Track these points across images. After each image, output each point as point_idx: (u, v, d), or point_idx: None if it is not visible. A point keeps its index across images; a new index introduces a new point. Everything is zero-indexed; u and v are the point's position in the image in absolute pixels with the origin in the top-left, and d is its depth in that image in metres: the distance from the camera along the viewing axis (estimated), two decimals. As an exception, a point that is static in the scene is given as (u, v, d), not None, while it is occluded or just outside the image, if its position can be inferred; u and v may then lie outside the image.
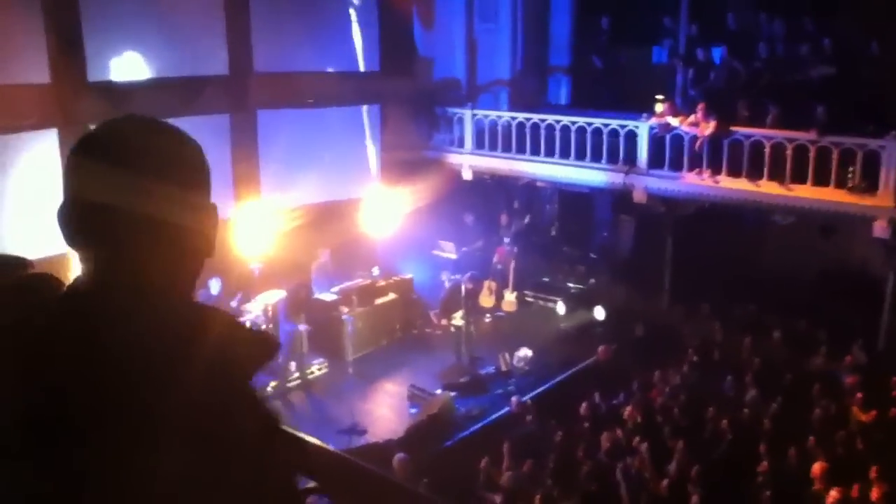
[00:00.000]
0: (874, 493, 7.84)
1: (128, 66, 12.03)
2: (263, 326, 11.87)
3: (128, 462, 1.10)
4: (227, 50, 13.04)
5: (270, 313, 12.02)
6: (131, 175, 1.19)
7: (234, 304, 11.74)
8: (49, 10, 10.98)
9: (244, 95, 13.27)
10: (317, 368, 12.32)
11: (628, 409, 10.32)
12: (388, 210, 13.87)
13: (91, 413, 1.11)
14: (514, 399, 10.92)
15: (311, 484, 2.11)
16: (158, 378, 1.14)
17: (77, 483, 1.10)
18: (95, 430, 1.11)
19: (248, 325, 10.31)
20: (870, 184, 11.50)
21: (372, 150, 15.26)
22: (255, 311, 11.95)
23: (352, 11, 14.77)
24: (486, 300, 14.26)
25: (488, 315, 14.24)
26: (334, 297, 12.83)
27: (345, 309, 12.63)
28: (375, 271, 13.70)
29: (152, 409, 1.12)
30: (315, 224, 13.27)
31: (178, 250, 1.26)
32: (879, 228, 11.40)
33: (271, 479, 1.28)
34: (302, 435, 2.40)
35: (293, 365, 12.04)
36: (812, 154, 11.88)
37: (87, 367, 1.13)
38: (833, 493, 7.71)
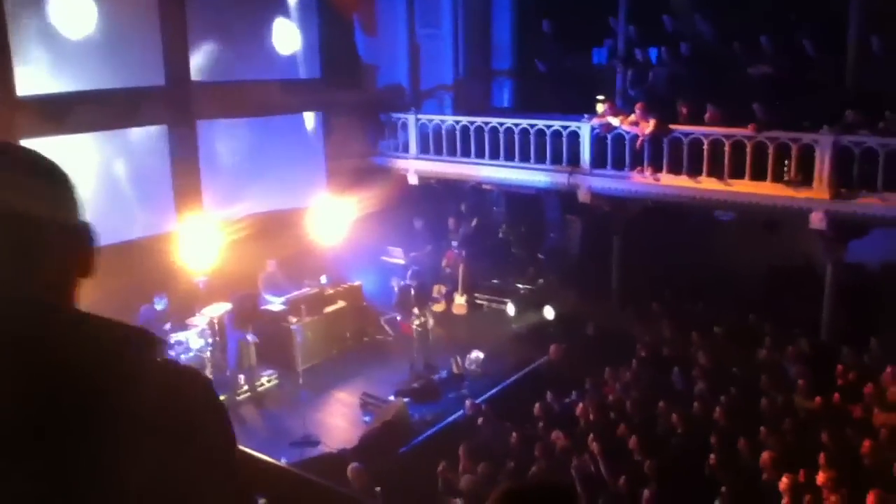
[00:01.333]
0: (820, 478, 8.01)
1: (61, 79, 11.70)
2: (210, 340, 11.66)
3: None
4: (164, 60, 12.78)
5: (217, 326, 11.81)
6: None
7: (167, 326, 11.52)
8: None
9: (183, 107, 13.03)
10: (267, 380, 12.14)
11: (580, 407, 10.38)
12: (335, 218, 13.75)
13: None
14: (468, 402, 10.91)
15: (262, 501, 2.06)
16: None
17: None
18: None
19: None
20: (805, 177, 11.79)
21: (317, 159, 15.12)
22: (200, 324, 11.73)
23: (291, 19, 14.65)
24: (437, 304, 14.24)
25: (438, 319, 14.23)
26: (282, 307, 12.65)
27: (293, 319, 12.47)
28: (323, 280, 13.57)
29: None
30: (261, 234, 13.09)
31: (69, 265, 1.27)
32: (816, 220, 11.68)
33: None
34: (251, 451, 2.34)
35: (242, 378, 11.84)
36: (749, 149, 12.13)
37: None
38: (784, 480, 7.85)
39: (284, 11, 14.47)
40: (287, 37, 14.58)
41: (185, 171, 13.12)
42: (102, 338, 1.23)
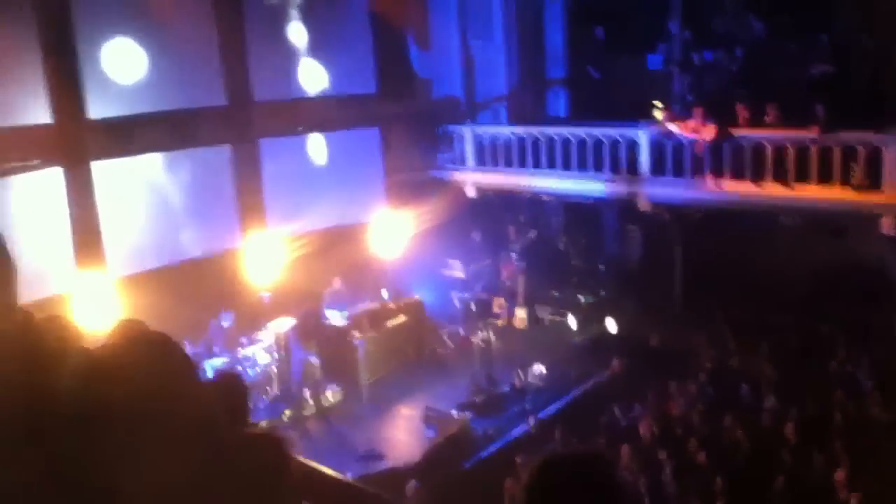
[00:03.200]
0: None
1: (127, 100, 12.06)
2: (275, 354, 11.86)
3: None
4: (225, 80, 13.07)
5: (282, 341, 12.00)
6: None
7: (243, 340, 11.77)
8: (48, 51, 11.03)
9: (245, 125, 13.31)
10: (331, 395, 12.29)
11: (645, 421, 10.26)
12: (394, 232, 13.87)
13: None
14: (531, 419, 10.87)
15: None
16: None
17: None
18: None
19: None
20: (874, 181, 11.46)
21: (376, 173, 15.25)
22: (266, 339, 11.94)
23: (346, 35, 14.83)
24: (498, 318, 14.20)
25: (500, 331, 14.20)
26: (345, 322, 12.79)
27: (356, 333, 12.60)
28: (384, 294, 13.68)
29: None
30: (323, 250, 13.28)
31: None
32: (886, 225, 11.34)
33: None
34: (312, 463, 2.40)
35: (307, 392, 12.01)
36: (814, 153, 11.85)
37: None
38: (854, 499, 7.65)
39: (339, 28, 14.64)
40: (342, 53, 14.76)
41: (248, 189, 13.39)
42: None
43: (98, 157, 11.63)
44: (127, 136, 11.85)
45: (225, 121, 13.11)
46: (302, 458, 2.27)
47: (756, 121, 12.81)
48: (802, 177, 12.00)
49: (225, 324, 11.84)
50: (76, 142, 11.38)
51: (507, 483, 9.18)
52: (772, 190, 12.36)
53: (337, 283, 13.34)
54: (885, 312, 11.88)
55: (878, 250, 12.40)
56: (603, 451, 1.76)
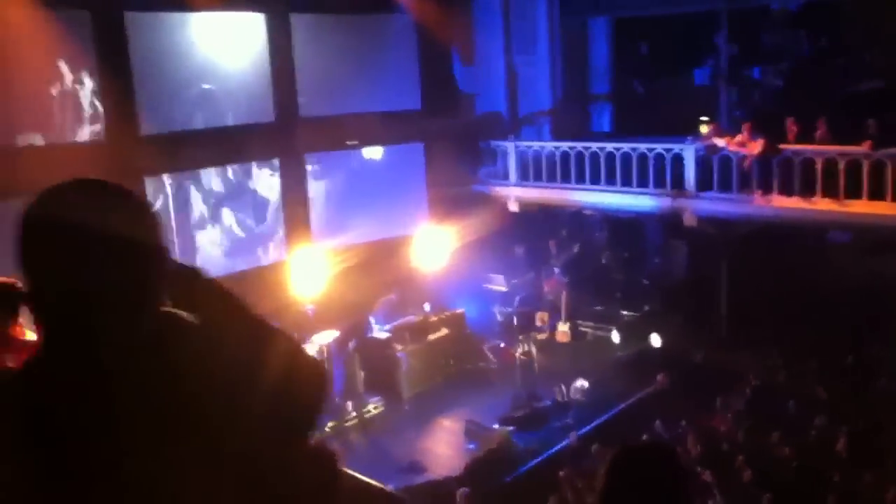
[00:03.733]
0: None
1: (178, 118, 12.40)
2: (319, 367, 11.95)
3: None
4: (273, 97, 13.35)
5: (326, 353, 12.11)
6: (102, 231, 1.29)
7: None
8: (103, 73, 11.41)
9: (291, 141, 13.55)
10: (373, 407, 12.35)
11: (690, 437, 10.11)
12: (437, 246, 13.94)
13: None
14: (572, 434, 10.79)
15: None
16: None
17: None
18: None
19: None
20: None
21: (419, 188, 15.37)
22: (311, 351, 12.05)
23: (391, 52, 15.03)
24: (540, 332, 14.17)
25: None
26: (387, 334, 12.87)
27: (398, 346, 12.67)
28: (427, 307, 13.73)
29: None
30: (367, 263, 13.39)
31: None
32: (939, 241, 11.08)
33: None
34: (360, 475, 2.44)
35: (350, 405, 12.09)
36: (866, 168, 11.64)
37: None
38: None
39: (385, 44, 14.84)
40: (388, 69, 14.95)
41: (294, 203, 13.62)
42: None
43: (148, 174, 11.94)
44: (177, 152, 12.15)
45: (273, 137, 13.36)
46: (349, 471, 2.32)
47: (805, 136, 12.63)
48: (853, 192, 11.77)
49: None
50: (128, 158, 11.68)
51: (562, 472, 9.17)
52: (821, 205, 12.15)
53: (394, 296, 13.43)
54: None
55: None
56: (671, 446, 2.02)
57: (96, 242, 1.27)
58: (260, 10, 13.16)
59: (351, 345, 12.24)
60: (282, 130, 13.49)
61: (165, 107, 12.37)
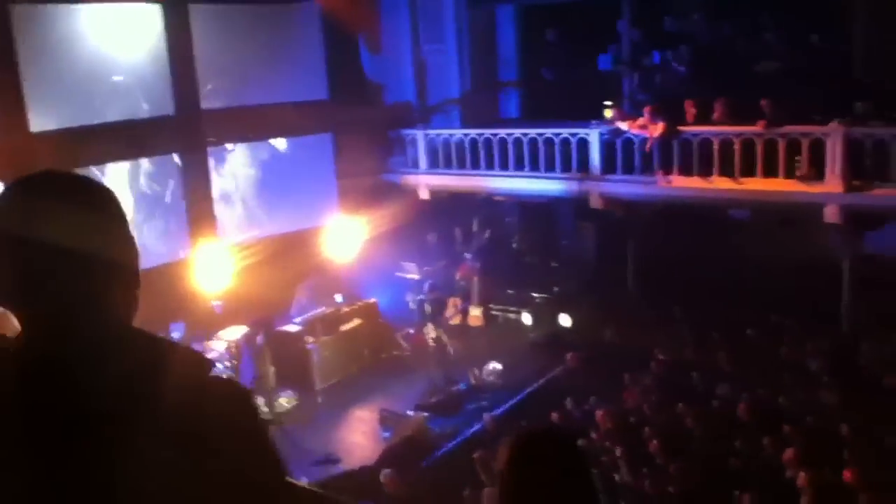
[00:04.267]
0: (846, 475, 7.88)
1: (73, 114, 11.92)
2: (228, 363, 11.72)
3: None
4: (173, 90, 12.96)
5: (234, 350, 11.88)
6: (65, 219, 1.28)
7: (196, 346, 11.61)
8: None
9: (193, 134, 13.19)
10: (286, 401, 12.18)
11: (600, 413, 10.30)
12: (348, 237, 13.82)
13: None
14: (486, 416, 10.87)
15: None
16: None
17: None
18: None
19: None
20: (818, 172, 11.68)
21: (328, 179, 15.19)
22: (218, 348, 11.80)
23: (297, 42, 14.79)
24: (453, 317, 14.23)
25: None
26: (298, 327, 12.70)
27: (310, 339, 12.52)
28: (339, 298, 13.61)
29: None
30: (276, 256, 13.17)
31: (117, 285, 1.37)
32: (830, 214, 11.56)
33: None
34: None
35: (261, 400, 11.88)
36: (760, 147, 12.05)
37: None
38: (802, 476, 7.74)
39: (290, 35, 14.60)
40: (294, 60, 14.72)
41: (197, 198, 13.27)
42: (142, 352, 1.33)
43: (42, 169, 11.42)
44: (73, 149, 11.66)
45: (173, 130, 12.99)
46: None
47: (704, 117, 12.98)
48: (749, 171, 12.17)
49: (175, 335, 11.67)
50: (20, 156, 11.17)
51: (476, 454, 9.21)
52: (720, 184, 12.52)
53: (306, 289, 13.26)
54: (831, 299, 12.10)
55: (823, 239, 12.64)
56: (570, 431, 1.99)
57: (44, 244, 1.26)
58: (155, 1, 12.75)
59: (259, 339, 12.01)
60: (183, 123, 13.12)
61: (60, 102, 11.89)
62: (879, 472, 7.96)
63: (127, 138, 12.34)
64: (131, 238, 1.39)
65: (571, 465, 1.78)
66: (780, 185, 11.96)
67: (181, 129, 13.07)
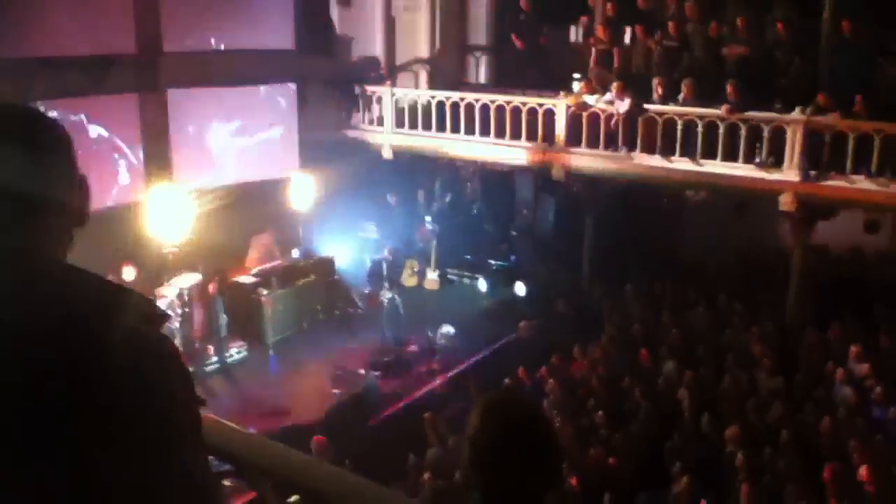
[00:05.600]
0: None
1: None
2: (178, 310, 11.56)
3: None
4: (135, 27, 12.55)
5: (186, 297, 11.71)
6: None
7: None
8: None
9: (153, 75, 12.82)
10: (236, 352, 12.09)
11: (550, 382, 10.47)
12: (308, 191, 13.65)
13: None
14: (437, 378, 10.96)
15: (227, 467, 2.06)
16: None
17: None
18: None
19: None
20: (777, 159, 11.89)
21: (291, 131, 14.94)
22: (169, 295, 11.61)
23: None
24: (409, 279, 14.25)
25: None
26: (253, 279, 12.58)
27: (264, 291, 12.41)
28: (295, 253, 13.50)
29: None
30: (234, 206, 12.95)
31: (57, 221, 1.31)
32: (785, 202, 11.80)
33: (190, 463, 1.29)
34: (218, 418, 2.34)
35: (211, 349, 11.78)
36: (722, 130, 12.20)
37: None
38: (740, 457, 8.00)
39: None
40: (260, 6, 14.36)
41: (155, 140, 12.94)
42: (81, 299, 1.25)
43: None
44: (24, 81, 11.22)
45: (133, 69, 12.60)
46: (220, 418, 2.24)
47: (671, 98, 13.07)
48: (711, 154, 12.33)
49: (126, 277, 11.45)
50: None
51: (427, 415, 9.30)
52: (680, 164, 12.66)
53: (266, 237, 13.10)
54: (777, 284, 12.43)
55: (777, 226, 12.94)
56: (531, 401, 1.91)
57: None
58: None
59: (211, 287, 11.87)
60: (144, 63, 12.74)
61: (13, 32, 11.40)
62: (813, 457, 8.28)
63: (83, 73, 11.92)
64: (78, 177, 1.34)
65: (544, 429, 1.81)
66: (739, 170, 12.15)
67: (141, 69, 12.69)
